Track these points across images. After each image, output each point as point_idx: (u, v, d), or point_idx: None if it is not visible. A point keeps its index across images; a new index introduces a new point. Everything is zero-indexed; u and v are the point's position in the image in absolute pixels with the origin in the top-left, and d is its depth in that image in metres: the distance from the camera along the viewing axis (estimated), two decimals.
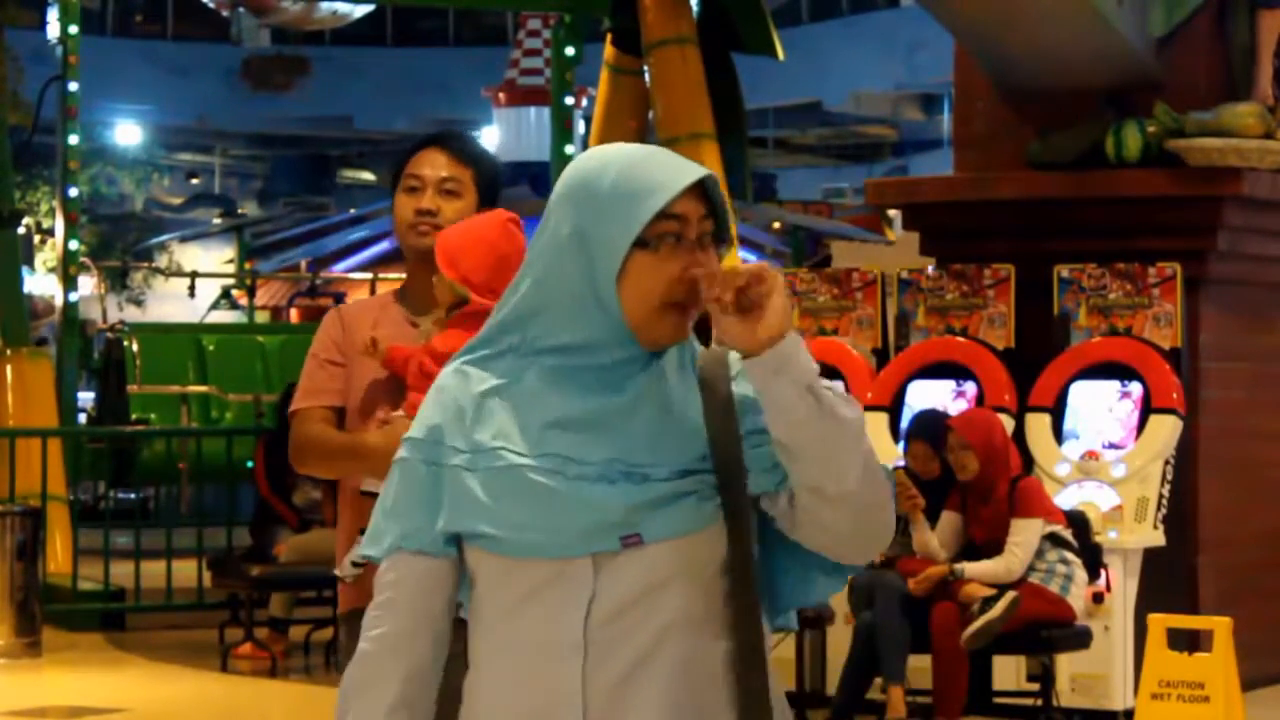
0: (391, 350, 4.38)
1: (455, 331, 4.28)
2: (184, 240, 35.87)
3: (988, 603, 8.42)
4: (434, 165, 4.53)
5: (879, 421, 10.03)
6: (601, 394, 2.79)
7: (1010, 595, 8.40)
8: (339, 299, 23.82)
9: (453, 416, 2.83)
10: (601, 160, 2.81)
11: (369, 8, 27.67)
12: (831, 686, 8.89)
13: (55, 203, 15.65)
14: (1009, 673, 9.16)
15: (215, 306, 25.66)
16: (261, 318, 25.54)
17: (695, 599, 2.75)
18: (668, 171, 2.76)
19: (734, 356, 2.77)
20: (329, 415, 4.44)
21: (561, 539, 2.74)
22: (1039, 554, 8.59)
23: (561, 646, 2.73)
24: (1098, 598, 9.03)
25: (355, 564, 4.30)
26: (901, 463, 9.20)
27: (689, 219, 2.75)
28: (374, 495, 4.08)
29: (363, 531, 4.03)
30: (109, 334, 20.42)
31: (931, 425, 9.10)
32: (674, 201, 2.74)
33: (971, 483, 8.72)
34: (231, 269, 29.14)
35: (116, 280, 33.04)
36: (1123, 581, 9.23)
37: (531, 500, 2.76)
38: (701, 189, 2.76)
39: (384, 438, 4.25)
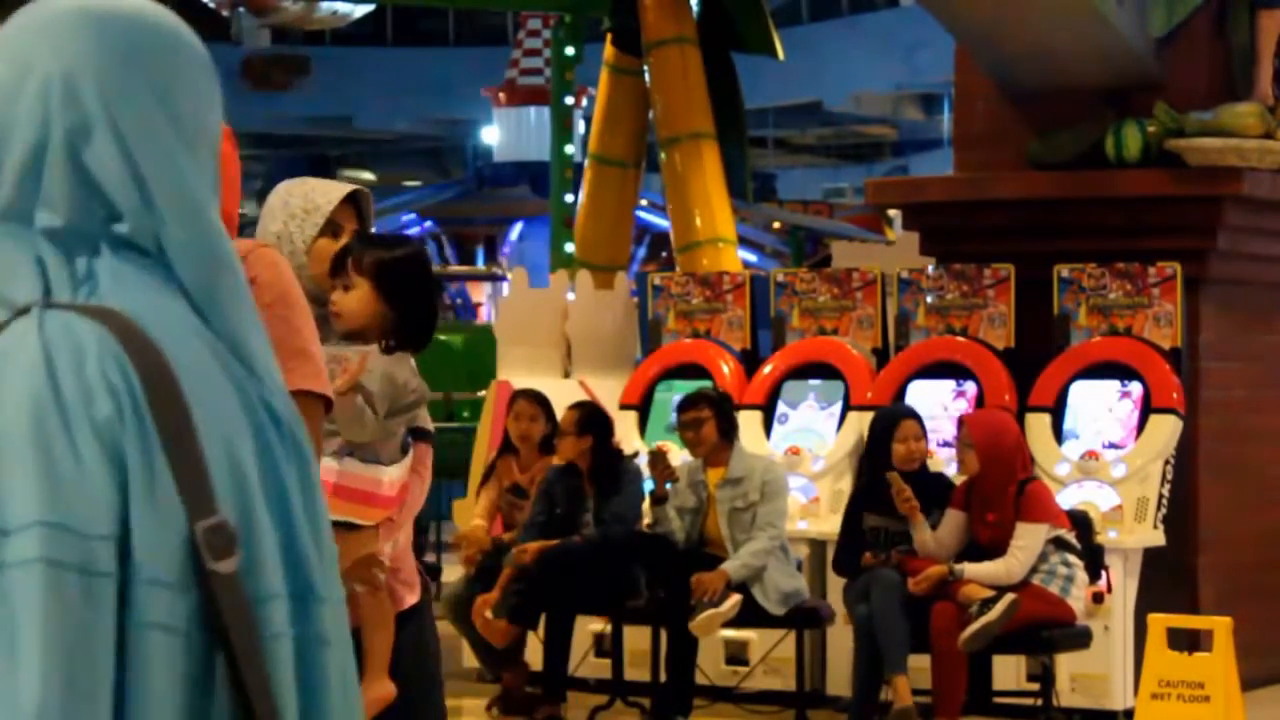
0: None
1: None
2: None
3: (986, 604, 8.40)
4: None
5: None
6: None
7: (1009, 598, 8.38)
8: None
9: None
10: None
11: (369, 8, 27.67)
12: (831, 687, 8.88)
13: None
14: (1009, 673, 9.15)
15: None
16: None
17: None
18: None
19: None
20: None
21: None
22: (1042, 556, 8.57)
23: None
24: (1098, 598, 9.02)
25: None
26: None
27: None
28: None
29: None
30: None
31: (903, 413, 9.16)
32: None
33: (975, 482, 8.71)
34: None
35: None
36: (1123, 581, 9.22)
37: None
38: None
39: None
